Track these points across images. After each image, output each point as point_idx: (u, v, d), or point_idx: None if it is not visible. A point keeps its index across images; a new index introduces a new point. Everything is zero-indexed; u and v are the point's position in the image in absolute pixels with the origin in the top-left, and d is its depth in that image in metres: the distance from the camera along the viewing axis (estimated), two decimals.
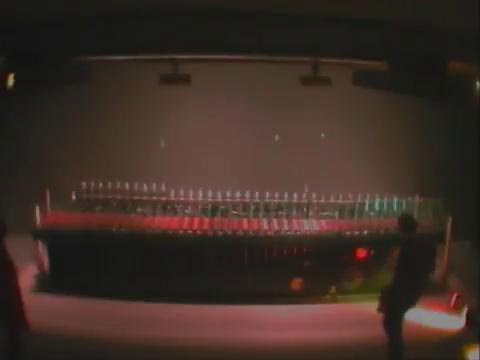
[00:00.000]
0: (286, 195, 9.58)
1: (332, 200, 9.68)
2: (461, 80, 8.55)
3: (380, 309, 7.09)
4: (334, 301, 9.06)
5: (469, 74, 8.43)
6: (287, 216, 9.38)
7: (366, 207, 9.58)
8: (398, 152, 11.19)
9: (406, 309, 7.08)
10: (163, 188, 9.65)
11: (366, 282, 9.15)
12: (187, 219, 9.35)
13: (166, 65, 8.84)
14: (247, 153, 11.24)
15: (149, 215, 9.43)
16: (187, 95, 10.54)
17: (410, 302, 7.07)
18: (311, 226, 9.22)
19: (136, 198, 9.59)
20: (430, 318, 8.36)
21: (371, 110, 11.00)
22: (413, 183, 10.24)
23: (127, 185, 9.60)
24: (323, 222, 9.33)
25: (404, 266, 6.99)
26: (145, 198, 9.62)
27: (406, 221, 7.25)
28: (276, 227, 9.13)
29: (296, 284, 9.09)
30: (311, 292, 9.08)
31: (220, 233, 9.01)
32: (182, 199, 9.64)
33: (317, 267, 9.05)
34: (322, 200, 9.64)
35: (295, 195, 9.59)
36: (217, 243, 9.01)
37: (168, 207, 9.57)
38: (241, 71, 10.13)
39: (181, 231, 9.02)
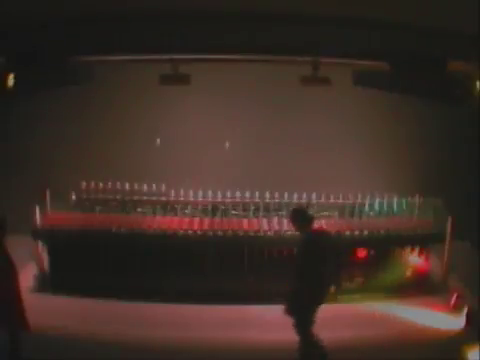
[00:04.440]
0: (286, 195, 9.59)
1: (332, 200, 9.68)
2: (461, 80, 8.55)
3: (286, 311, 6.76)
4: (334, 301, 9.04)
5: (469, 74, 8.43)
6: (287, 216, 9.37)
7: (366, 207, 9.59)
8: (398, 152, 11.20)
9: (312, 308, 6.75)
10: (163, 188, 9.66)
11: (366, 282, 9.15)
12: (187, 219, 9.34)
13: (166, 65, 8.85)
14: (247, 153, 11.25)
15: (149, 215, 9.43)
16: (187, 95, 10.55)
17: (314, 301, 6.75)
18: None
19: (136, 198, 9.60)
20: (430, 318, 8.37)
21: (371, 110, 11.01)
22: (413, 183, 10.25)
23: (127, 185, 9.61)
24: (323, 222, 9.32)
25: (304, 263, 6.72)
26: (145, 198, 9.63)
27: (298, 216, 6.98)
28: (276, 227, 9.13)
29: None
30: None
31: (220, 233, 9.01)
32: (182, 199, 9.65)
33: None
34: (322, 200, 9.65)
35: (295, 195, 9.59)
36: (217, 243, 9.00)
37: (168, 207, 9.57)
38: (241, 71, 10.13)
39: (181, 231, 9.02)
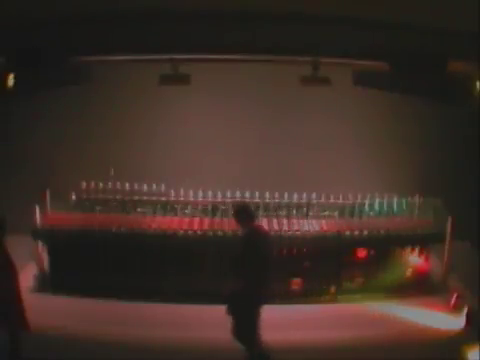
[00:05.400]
0: (286, 195, 9.59)
1: (332, 200, 9.69)
2: (461, 80, 8.55)
3: (227, 311, 6.68)
4: (334, 301, 9.06)
5: (469, 74, 8.43)
6: (287, 216, 9.38)
7: (366, 207, 9.59)
8: (398, 152, 11.20)
9: (252, 308, 6.68)
10: (163, 188, 9.66)
11: (366, 282, 9.15)
12: (187, 219, 9.34)
13: (166, 65, 8.85)
14: (247, 153, 11.25)
15: (149, 215, 9.43)
16: (187, 95, 10.55)
17: (254, 302, 6.69)
18: (311, 226, 9.22)
19: (136, 198, 9.60)
20: (430, 318, 8.37)
21: (371, 110, 11.01)
22: (413, 183, 10.25)
23: (127, 185, 9.61)
24: (323, 222, 9.33)
25: (243, 261, 6.65)
26: (145, 198, 9.63)
27: (239, 213, 6.90)
28: (276, 227, 9.13)
29: (296, 284, 9.09)
30: (311, 292, 9.08)
31: (220, 233, 9.01)
32: (182, 199, 9.65)
33: (317, 267, 9.05)
34: (322, 200, 9.66)
35: (295, 195, 9.59)
36: (217, 243, 9.00)
37: (168, 207, 9.57)
38: (241, 71, 10.13)
39: (181, 231, 9.01)
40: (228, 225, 9.11)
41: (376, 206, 9.63)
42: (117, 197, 9.60)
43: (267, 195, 9.57)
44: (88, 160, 10.92)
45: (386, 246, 9.20)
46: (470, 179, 10.13)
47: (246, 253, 6.68)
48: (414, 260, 9.35)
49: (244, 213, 6.91)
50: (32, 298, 7.74)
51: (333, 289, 9.14)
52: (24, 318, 6.57)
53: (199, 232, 9.03)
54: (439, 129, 10.87)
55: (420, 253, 9.35)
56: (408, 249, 9.30)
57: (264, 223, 9.17)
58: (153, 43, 7.99)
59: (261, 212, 9.35)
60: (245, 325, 6.70)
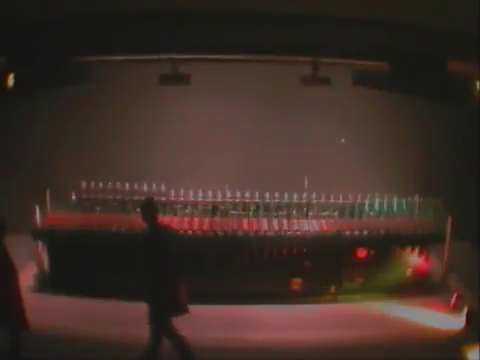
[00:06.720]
0: (286, 195, 9.60)
1: (332, 200, 9.69)
2: (461, 80, 8.56)
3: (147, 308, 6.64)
4: (334, 301, 9.06)
5: (469, 74, 8.43)
6: (287, 216, 9.39)
7: (366, 207, 9.59)
8: (398, 152, 11.20)
9: (159, 305, 6.66)
10: (163, 188, 9.66)
11: (366, 282, 9.15)
12: (187, 219, 9.34)
13: (166, 65, 8.85)
14: (247, 153, 11.25)
15: None
16: (187, 95, 10.55)
17: (163, 300, 6.66)
18: (311, 226, 9.22)
19: (136, 198, 9.60)
20: (430, 318, 8.37)
21: (371, 110, 11.01)
22: (413, 183, 10.25)
23: (127, 185, 9.61)
24: (323, 222, 9.33)
25: (149, 260, 6.59)
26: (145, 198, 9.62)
27: (142, 208, 6.73)
28: (276, 227, 9.13)
29: (296, 284, 9.09)
30: (311, 292, 9.09)
31: (220, 233, 9.01)
32: (182, 199, 9.64)
33: (317, 267, 9.05)
34: (322, 200, 9.66)
35: (295, 195, 9.60)
36: (217, 243, 9.00)
37: (168, 207, 9.56)
38: (241, 71, 10.14)
39: (181, 231, 9.01)
40: (228, 225, 9.12)
41: (376, 206, 9.63)
42: (117, 197, 9.60)
43: (267, 195, 9.57)
44: (88, 160, 10.92)
45: (386, 246, 9.20)
46: (470, 179, 10.14)
47: (147, 251, 6.63)
48: (414, 260, 9.35)
49: (146, 209, 6.72)
50: (32, 298, 7.74)
51: (333, 289, 9.14)
52: (24, 318, 6.56)
53: (199, 232, 9.03)
54: (439, 129, 10.87)
55: (420, 253, 9.36)
56: (408, 249, 9.30)
57: (264, 223, 9.21)
58: (153, 43, 7.99)
59: (261, 212, 9.37)
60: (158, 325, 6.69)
